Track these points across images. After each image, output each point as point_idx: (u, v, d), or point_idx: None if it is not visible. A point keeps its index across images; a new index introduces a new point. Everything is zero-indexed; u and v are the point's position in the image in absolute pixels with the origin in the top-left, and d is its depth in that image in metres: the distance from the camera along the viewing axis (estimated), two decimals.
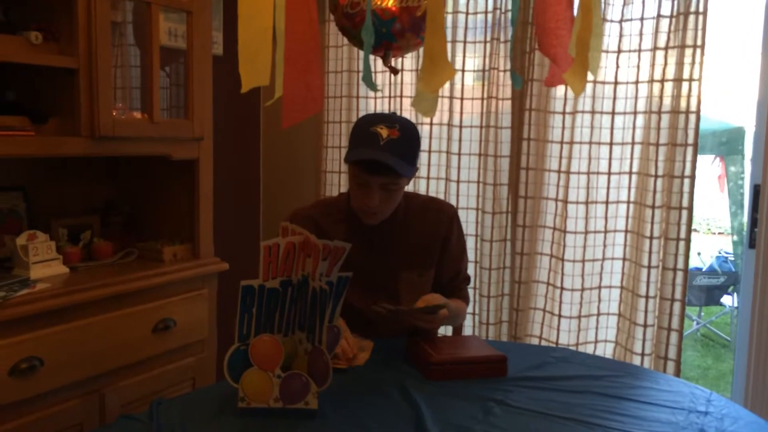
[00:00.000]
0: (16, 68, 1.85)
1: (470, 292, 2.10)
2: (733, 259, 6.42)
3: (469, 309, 2.53)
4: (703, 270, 6.09)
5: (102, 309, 1.91)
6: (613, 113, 2.54)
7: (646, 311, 2.50)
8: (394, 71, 2.32)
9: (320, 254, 1.37)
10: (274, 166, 3.31)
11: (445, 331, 2.35)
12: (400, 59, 2.87)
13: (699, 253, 6.65)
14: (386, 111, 2.94)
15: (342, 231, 1.80)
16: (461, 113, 2.81)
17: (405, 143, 1.69)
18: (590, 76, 1.52)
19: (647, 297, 2.49)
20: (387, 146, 1.65)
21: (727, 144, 5.93)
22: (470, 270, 2.56)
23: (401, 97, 2.93)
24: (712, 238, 10.05)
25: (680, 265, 2.44)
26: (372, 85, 1.39)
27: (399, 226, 1.86)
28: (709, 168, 7.18)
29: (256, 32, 1.27)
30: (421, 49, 2.72)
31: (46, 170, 2.22)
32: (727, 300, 5.87)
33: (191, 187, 2.29)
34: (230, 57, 2.89)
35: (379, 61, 2.73)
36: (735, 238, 6.18)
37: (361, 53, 2.92)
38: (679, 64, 2.38)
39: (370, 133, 1.68)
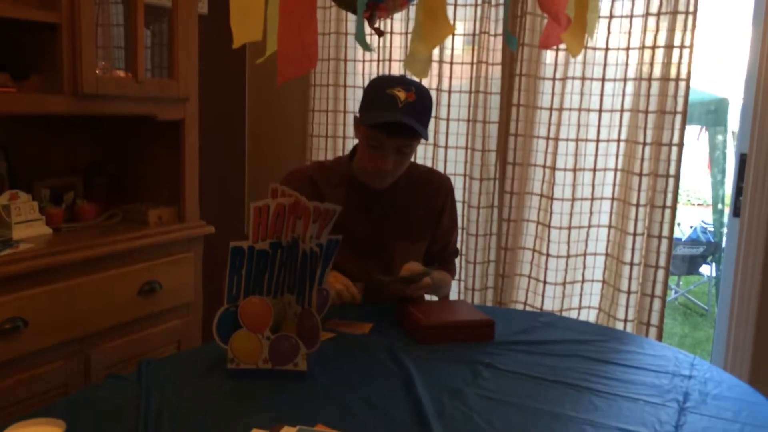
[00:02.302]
0: None
1: (457, 258, 2.10)
2: (712, 229, 6.50)
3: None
4: (683, 240, 6.17)
5: (86, 270, 1.89)
6: (603, 80, 2.52)
7: (630, 278, 2.52)
8: (380, 33, 2.28)
9: (311, 216, 1.36)
10: (260, 129, 3.27)
11: (431, 298, 2.36)
12: (389, 23, 2.83)
13: (679, 224, 6.72)
14: (375, 75, 2.90)
15: (341, 195, 1.77)
16: (450, 78, 2.78)
17: (421, 106, 1.70)
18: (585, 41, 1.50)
19: (632, 264, 2.51)
20: (405, 109, 1.65)
21: (715, 113, 5.94)
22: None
23: (390, 60, 2.89)
24: (692, 209, 10.15)
25: (665, 232, 2.46)
26: (366, 45, 1.36)
27: (398, 195, 1.85)
28: (690, 139, 7.21)
29: None
30: (411, 10, 2.70)
31: (28, 129, 2.17)
32: (705, 270, 5.96)
33: (176, 149, 2.25)
34: (215, 16, 2.83)
35: (365, 25, 2.68)
36: (720, 206, 6.25)
37: (350, 15, 2.87)
38: (671, 31, 2.36)
39: (387, 95, 1.67)
